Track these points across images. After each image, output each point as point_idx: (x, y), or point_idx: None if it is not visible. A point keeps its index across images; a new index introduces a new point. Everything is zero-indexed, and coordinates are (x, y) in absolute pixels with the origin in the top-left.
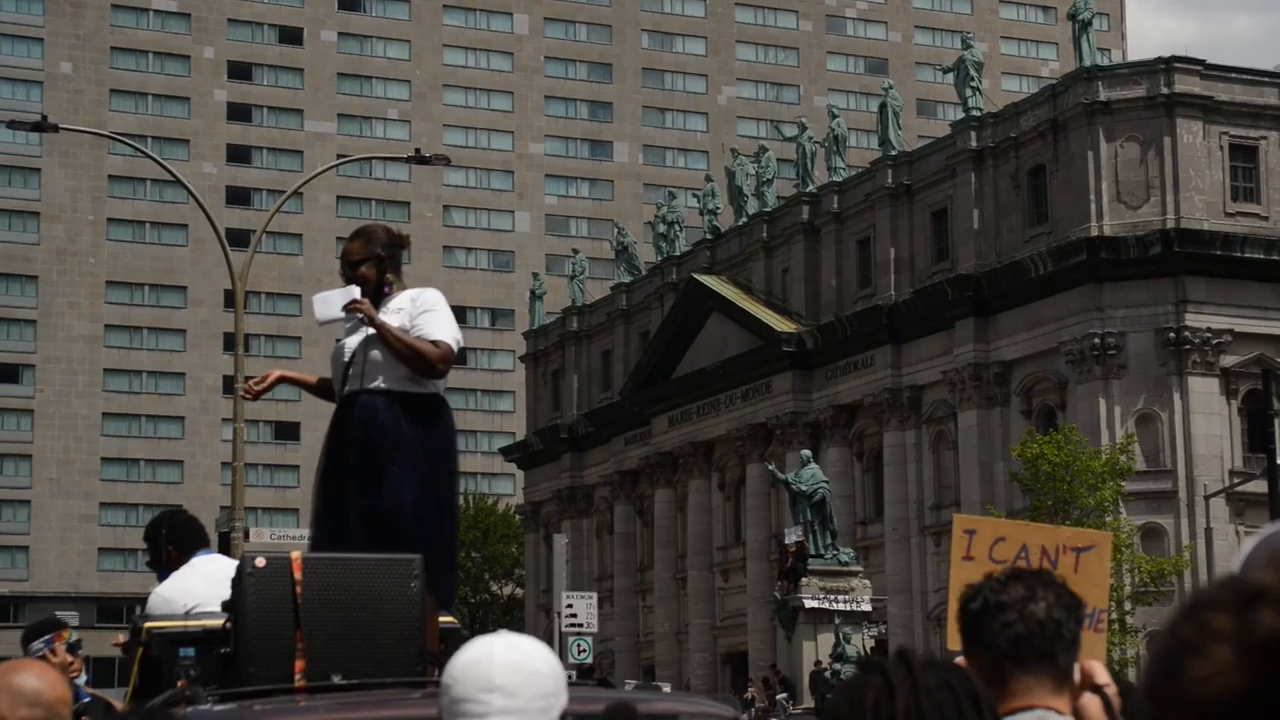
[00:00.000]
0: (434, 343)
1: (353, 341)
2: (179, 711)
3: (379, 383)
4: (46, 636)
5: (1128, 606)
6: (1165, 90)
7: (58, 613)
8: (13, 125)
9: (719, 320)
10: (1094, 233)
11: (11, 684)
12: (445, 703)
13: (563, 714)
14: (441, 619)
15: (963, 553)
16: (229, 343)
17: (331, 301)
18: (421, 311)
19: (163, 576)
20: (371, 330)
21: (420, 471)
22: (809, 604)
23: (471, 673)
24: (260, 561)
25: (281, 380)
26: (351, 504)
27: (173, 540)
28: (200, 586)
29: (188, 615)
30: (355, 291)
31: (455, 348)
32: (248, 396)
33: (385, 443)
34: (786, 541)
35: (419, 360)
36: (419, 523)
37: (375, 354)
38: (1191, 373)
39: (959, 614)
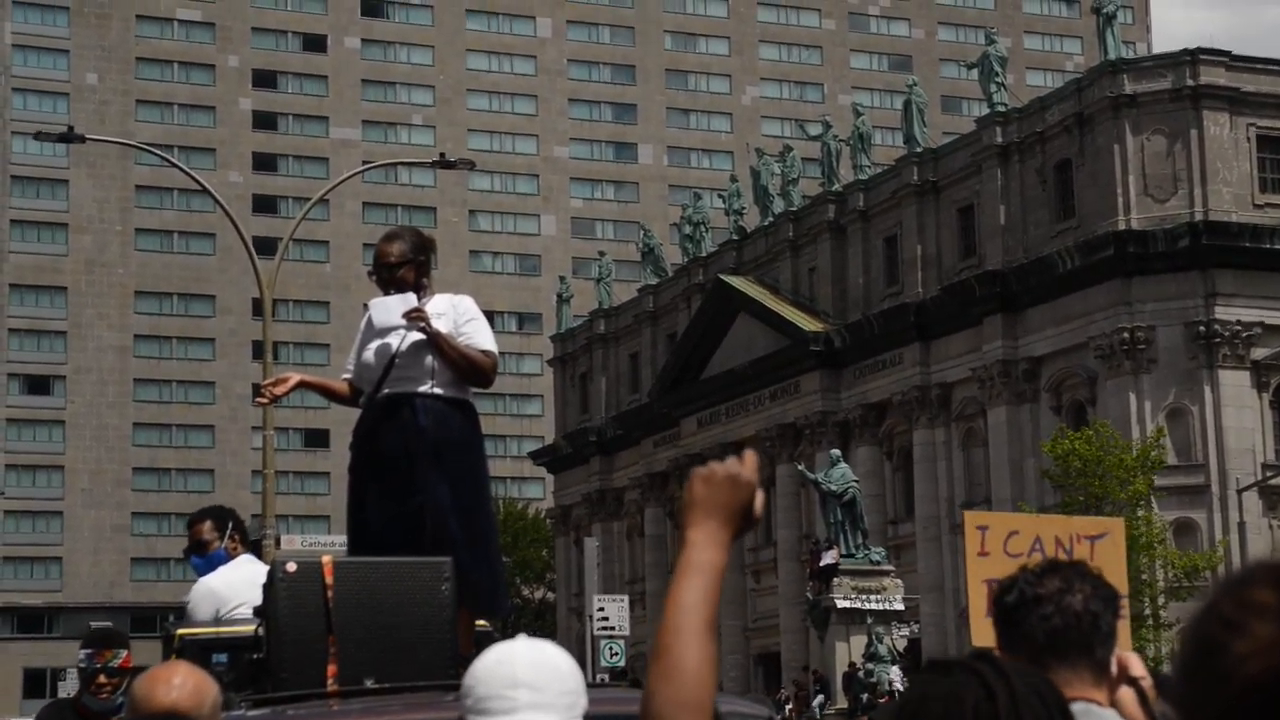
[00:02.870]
0: (484, 353)
1: (394, 343)
2: None
3: (429, 387)
4: (90, 651)
5: (1161, 601)
6: (1191, 82)
7: (93, 623)
8: (40, 137)
9: (746, 320)
10: (1121, 226)
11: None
12: (469, 704)
13: (584, 716)
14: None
15: (977, 549)
16: (258, 351)
17: (390, 309)
18: (467, 320)
19: (202, 566)
20: (415, 333)
21: (469, 475)
22: (841, 604)
23: (495, 672)
24: (291, 566)
25: (301, 385)
26: (403, 506)
27: (239, 532)
28: (246, 590)
29: (232, 613)
30: (412, 299)
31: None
32: (265, 401)
33: (442, 446)
34: (822, 563)
35: (473, 370)
36: (469, 526)
37: (429, 359)
38: (1222, 366)
39: (993, 607)
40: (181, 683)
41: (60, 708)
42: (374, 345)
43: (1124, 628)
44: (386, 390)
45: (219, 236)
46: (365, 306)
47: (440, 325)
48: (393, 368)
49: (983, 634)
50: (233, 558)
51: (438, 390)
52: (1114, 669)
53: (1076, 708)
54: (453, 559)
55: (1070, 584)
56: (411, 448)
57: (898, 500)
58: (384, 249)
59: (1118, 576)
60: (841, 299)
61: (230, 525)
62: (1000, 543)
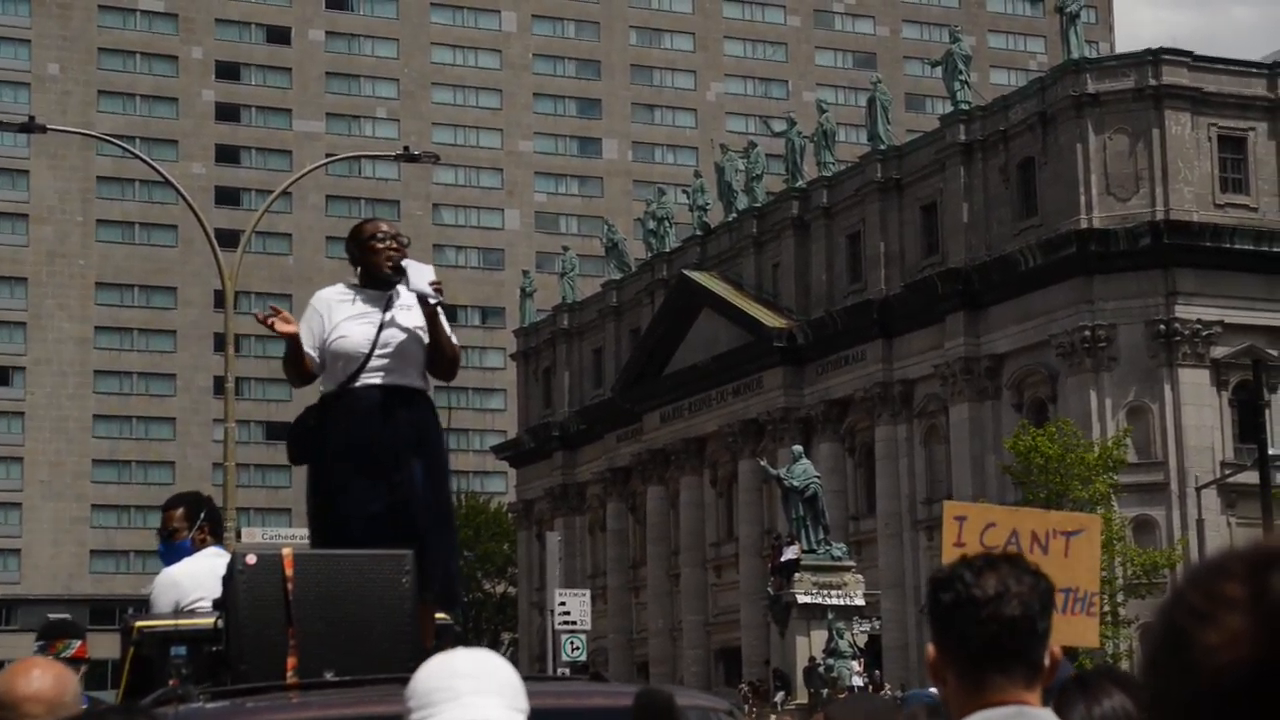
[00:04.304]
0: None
1: (369, 331)
2: (169, 710)
3: (409, 379)
4: (42, 643)
5: (1120, 599)
6: (1153, 82)
7: (50, 615)
8: (0, 127)
9: (709, 316)
10: (1083, 225)
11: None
12: (412, 705)
13: (548, 710)
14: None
15: (954, 539)
16: (219, 343)
17: (421, 273)
18: None
19: (167, 555)
20: (403, 319)
21: (440, 467)
22: (802, 599)
23: (436, 671)
24: (251, 559)
25: (292, 337)
26: (391, 498)
27: (211, 521)
28: (208, 582)
29: (192, 605)
30: (432, 272)
31: None
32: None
33: (422, 438)
34: (783, 558)
35: (454, 362)
36: (442, 518)
37: (416, 349)
38: (1182, 364)
39: (930, 603)
40: (41, 674)
41: None
42: (357, 328)
43: (1091, 624)
44: (375, 380)
45: (181, 228)
46: (388, 271)
47: (410, 317)
48: (373, 356)
49: None
50: (199, 549)
51: (418, 383)
52: (1046, 662)
53: (1008, 711)
54: (429, 551)
55: (1007, 585)
56: (397, 440)
57: (859, 496)
58: (381, 224)
59: (1092, 573)
60: (805, 295)
61: (202, 515)
62: (977, 535)
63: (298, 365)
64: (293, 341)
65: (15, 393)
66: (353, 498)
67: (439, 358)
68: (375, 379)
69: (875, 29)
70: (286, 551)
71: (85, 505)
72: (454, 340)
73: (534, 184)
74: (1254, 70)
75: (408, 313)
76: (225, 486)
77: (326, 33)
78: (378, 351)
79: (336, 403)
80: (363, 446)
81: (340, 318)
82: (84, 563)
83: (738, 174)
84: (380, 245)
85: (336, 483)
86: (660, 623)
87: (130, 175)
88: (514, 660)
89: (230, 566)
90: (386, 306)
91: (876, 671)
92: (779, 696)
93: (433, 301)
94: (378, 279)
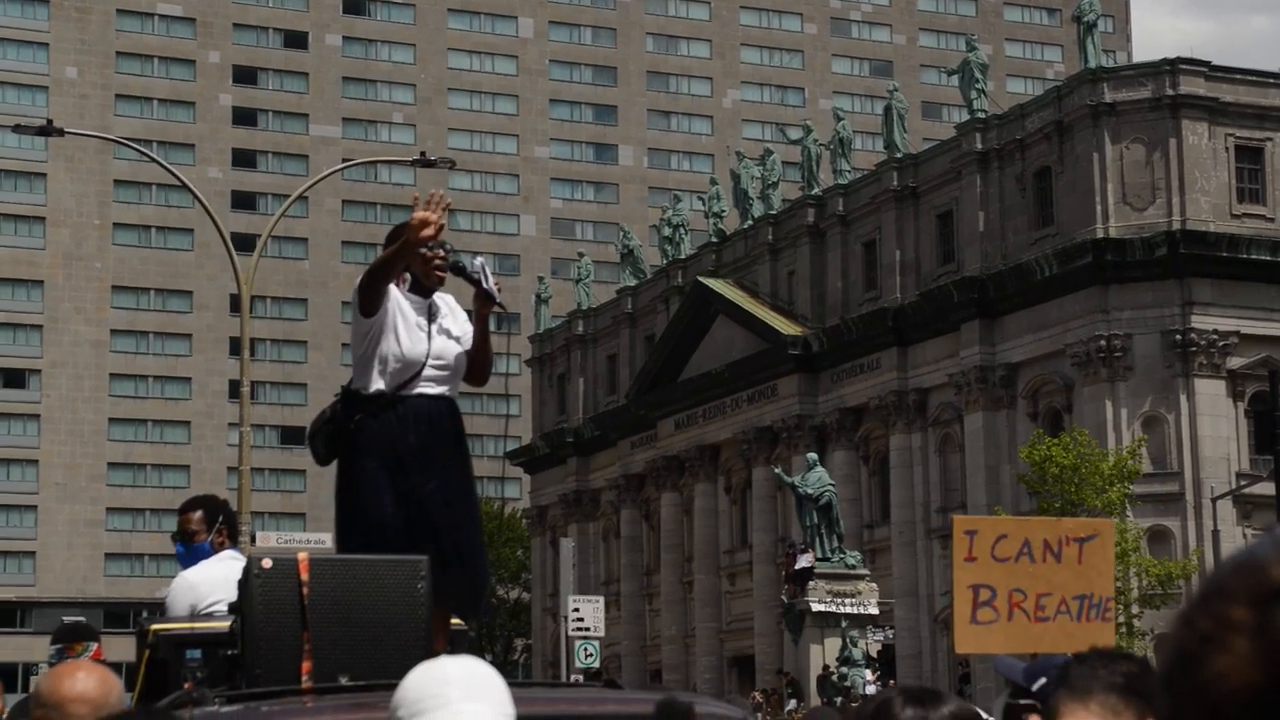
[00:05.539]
0: None
1: (423, 339)
2: (185, 714)
3: (453, 390)
4: (59, 646)
5: (1135, 610)
6: (1170, 92)
7: (65, 618)
8: (18, 130)
9: (724, 323)
10: (1100, 235)
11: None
12: (401, 715)
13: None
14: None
15: (965, 554)
16: (235, 347)
17: (485, 271)
18: (464, 319)
19: (185, 558)
20: (451, 328)
21: (470, 471)
22: (816, 607)
23: (424, 678)
24: (267, 563)
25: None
26: (428, 498)
27: (228, 525)
28: (224, 586)
29: (208, 609)
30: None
31: None
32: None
33: (461, 442)
34: (797, 566)
35: (490, 366)
36: (477, 523)
37: (459, 361)
38: (1198, 375)
39: None
40: (85, 676)
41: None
42: (418, 334)
43: (1108, 630)
44: (429, 390)
45: (197, 232)
46: (451, 267)
47: (454, 327)
48: (430, 365)
49: (966, 640)
50: (217, 552)
51: (455, 393)
52: None
53: None
54: (460, 556)
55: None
56: (448, 451)
57: (874, 505)
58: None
59: (1105, 578)
60: (820, 303)
61: (220, 519)
62: (988, 547)
63: (388, 278)
64: (404, 255)
65: (31, 395)
66: (401, 503)
67: (483, 362)
68: (429, 388)
69: (892, 37)
70: (302, 556)
71: (100, 508)
72: None
73: (550, 190)
74: (1271, 80)
75: (451, 322)
76: (240, 490)
77: (344, 38)
78: (431, 361)
79: (390, 407)
80: (418, 454)
81: (400, 315)
82: (99, 566)
83: (754, 181)
84: (429, 254)
85: (383, 486)
86: (674, 630)
87: (147, 179)
88: (527, 667)
89: (246, 570)
90: (431, 316)
91: (890, 680)
92: (792, 705)
93: (498, 299)
94: (423, 286)
